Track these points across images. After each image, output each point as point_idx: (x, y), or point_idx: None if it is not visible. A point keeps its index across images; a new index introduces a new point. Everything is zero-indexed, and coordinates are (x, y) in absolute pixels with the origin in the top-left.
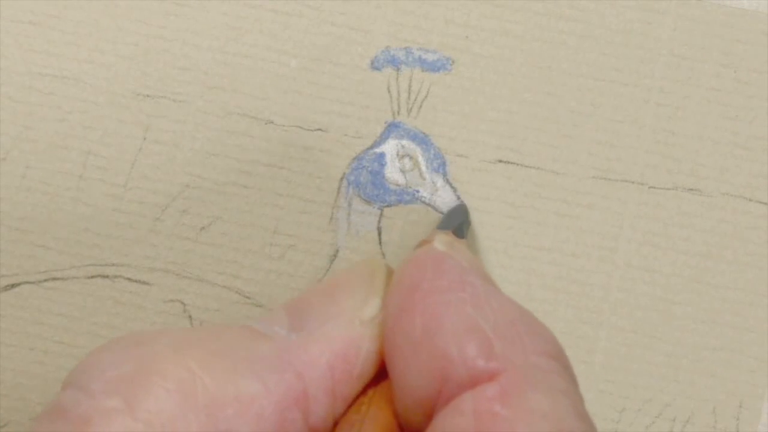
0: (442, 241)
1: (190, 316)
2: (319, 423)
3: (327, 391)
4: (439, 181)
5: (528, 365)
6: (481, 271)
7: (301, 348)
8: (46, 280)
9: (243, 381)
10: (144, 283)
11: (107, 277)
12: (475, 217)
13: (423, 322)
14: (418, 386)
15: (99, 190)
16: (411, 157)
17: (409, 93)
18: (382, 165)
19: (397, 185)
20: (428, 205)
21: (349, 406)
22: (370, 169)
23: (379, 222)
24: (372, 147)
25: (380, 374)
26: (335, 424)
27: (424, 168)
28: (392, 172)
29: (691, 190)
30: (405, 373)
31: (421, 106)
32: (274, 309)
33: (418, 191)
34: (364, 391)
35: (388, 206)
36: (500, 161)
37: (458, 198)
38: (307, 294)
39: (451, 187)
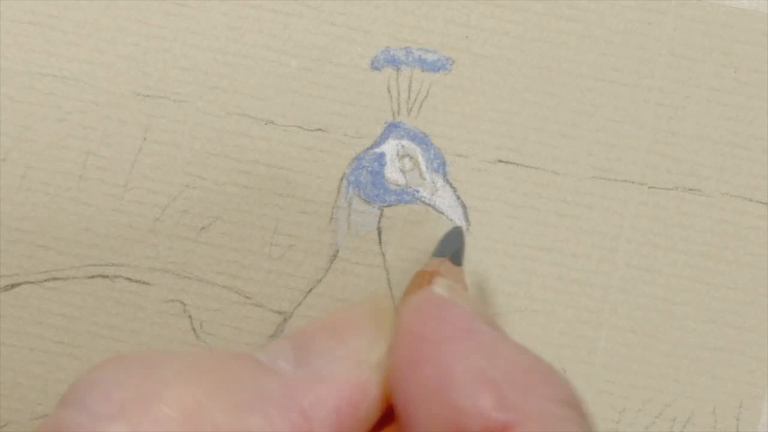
0: (443, 286)
1: (190, 316)
2: None
3: None
4: (439, 181)
5: (544, 414)
6: (485, 316)
7: (307, 387)
8: (46, 280)
9: (249, 416)
10: (144, 283)
11: (107, 277)
12: (475, 217)
13: (434, 374)
14: None
15: (99, 190)
16: (411, 157)
17: (409, 93)
18: (382, 165)
19: (397, 185)
20: (428, 205)
21: None
22: (370, 169)
23: (379, 222)
24: (372, 147)
25: (384, 419)
26: None
27: (424, 168)
28: (392, 172)
29: (691, 190)
30: (418, 425)
31: (421, 106)
32: (278, 340)
33: (418, 191)
34: None
35: (388, 206)
36: (500, 161)
37: (458, 198)
38: (312, 328)
39: (451, 187)
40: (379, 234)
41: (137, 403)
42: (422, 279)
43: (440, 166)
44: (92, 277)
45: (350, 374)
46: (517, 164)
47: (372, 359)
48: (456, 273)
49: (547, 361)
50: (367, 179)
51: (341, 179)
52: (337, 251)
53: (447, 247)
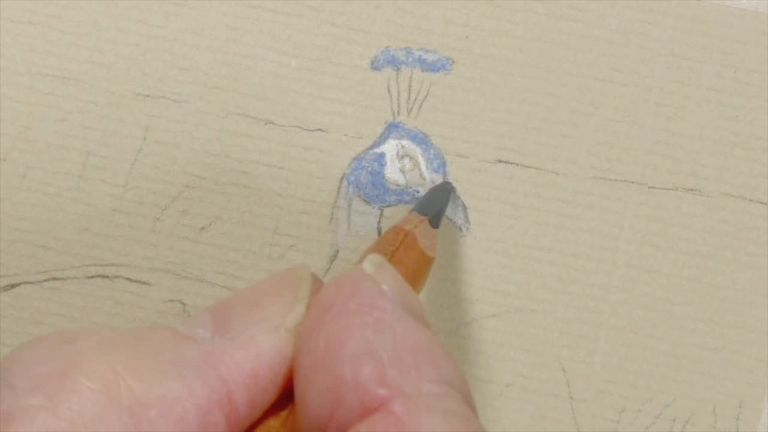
0: (372, 263)
1: (190, 316)
2: (240, 427)
3: (249, 396)
4: (439, 182)
5: (420, 394)
6: (402, 297)
7: (225, 352)
8: (46, 280)
9: (167, 383)
10: (144, 283)
11: (107, 277)
12: (475, 217)
13: (325, 343)
14: (314, 407)
15: (99, 190)
16: (411, 158)
17: (409, 93)
18: (382, 165)
19: (397, 185)
20: None
21: (268, 413)
22: (370, 169)
23: (379, 222)
24: (372, 147)
25: None
26: (252, 429)
27: (424, 168)
28: (392, 173)
29: (691, 190)
30: (304, 392)
31: (421, 106)
32: (198, 311)
33: (418, 191)
34: (283, 400)
35: (388, 206)
36: (500, 161)
37: (458, 198)
38: (231, 298)
39: None
40: (379, 234)
41: (55, 377)
42: (396, 236)
43: (440, 166)
44: (92, 277)
45: (267, 338)
46: (517, 164)
47: (289, 323)
48: (431, 235)
49: (440, 342)
50: (367, 179)
51: (341, 179)
52: (337, 251)
53: (430, 205)
